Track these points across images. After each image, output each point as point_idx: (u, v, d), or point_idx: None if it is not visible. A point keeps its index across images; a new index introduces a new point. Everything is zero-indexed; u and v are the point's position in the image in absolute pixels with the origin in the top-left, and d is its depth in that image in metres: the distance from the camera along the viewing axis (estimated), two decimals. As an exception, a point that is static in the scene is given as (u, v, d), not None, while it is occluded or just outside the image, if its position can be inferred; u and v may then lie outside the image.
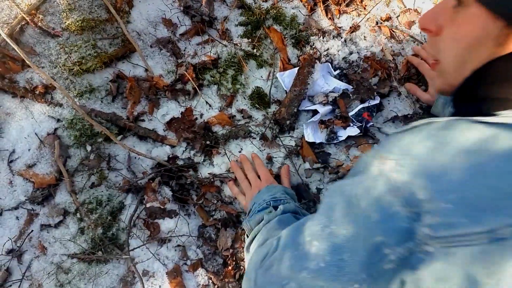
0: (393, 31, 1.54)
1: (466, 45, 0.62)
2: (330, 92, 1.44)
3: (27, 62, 1.14)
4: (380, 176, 0.58)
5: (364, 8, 1.59)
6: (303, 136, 1.39)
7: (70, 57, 1.30)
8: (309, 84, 1.42)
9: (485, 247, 0.47)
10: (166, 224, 1.30)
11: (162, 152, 1.35)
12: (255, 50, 1.52)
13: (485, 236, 0.47)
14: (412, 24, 1.56)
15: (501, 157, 0.50)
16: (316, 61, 1.45)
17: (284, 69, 1.52)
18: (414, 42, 1.53)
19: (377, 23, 1.56)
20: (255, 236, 1.02)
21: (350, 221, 0.61)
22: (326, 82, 1.46)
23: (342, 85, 1.45)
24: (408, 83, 1.43)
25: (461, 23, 0.61)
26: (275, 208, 1.07)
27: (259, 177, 1.27)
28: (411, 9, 1.58)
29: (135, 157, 1.34)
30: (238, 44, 1.53)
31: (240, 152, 1.39)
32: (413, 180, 0.53)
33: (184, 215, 1.32)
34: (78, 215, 1.28)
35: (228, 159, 1.36)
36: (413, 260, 0.52)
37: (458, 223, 0.49)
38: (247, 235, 1.10)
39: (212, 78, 1.47)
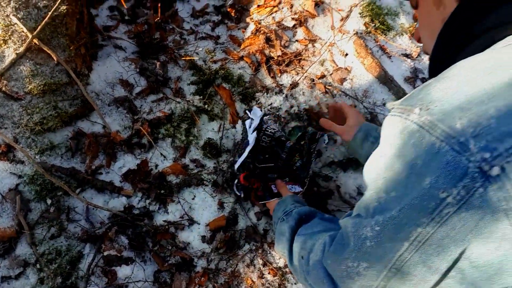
0: (327, 87, 1.76)
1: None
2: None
3: (-9, 124, 1.24)
4: (411, 124, 0.59)
5: (302, 68, 1.81)
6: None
7: (32, 118, 1.41)
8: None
9: None
10: (123, 271, 1.38)
11: (118, 203, 1.45)
12: (206, 106, 1.69)
13: None
14: (343, 81, 1.79)
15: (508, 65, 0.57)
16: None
17: (233, 121, 1.69)
18: (346, 96, 1.75)
19: (313, 80, 1.78)
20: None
21: (400, 178, 0.61)
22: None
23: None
24: (322, 119, 1.38)
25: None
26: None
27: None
28: (342, 67, 1.81)
29: (93, 208, 1.44)
30: (191, 101, 1.69)
31: (193, 199, 1.51)
32: (445, 115, 0.55)
33: (140, 261, 1.41)
34: (38, 265, 1.34)
35: (182, 206, 1.48)
36: (476, 199, 0.52)
37: (510, 130, 0.51)
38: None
39: (167, 132, 1.61)
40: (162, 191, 1.49)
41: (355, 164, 1.61)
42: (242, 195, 1.46)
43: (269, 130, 1.52)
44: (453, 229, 0.55)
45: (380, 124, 1.52)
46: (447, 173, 0.53)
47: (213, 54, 1.82)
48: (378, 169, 0.67)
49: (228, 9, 1.91)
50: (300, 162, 1.51)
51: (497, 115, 0.51)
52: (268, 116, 1.66)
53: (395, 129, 0.63)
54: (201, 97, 1.71)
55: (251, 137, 1.47)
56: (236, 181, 1.45)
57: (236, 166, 1.44)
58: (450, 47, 0.72)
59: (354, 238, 0.72)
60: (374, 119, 1.69)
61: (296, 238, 1.06)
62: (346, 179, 1.60)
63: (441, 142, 0.54)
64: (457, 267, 0.58)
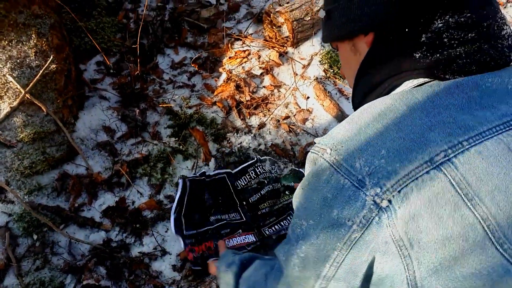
0: (291, 127, 1.95)
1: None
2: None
3: (-14, 169, 1.44)
4: (324, 162, 0.69)
5: (268, 110, 2.01)
6: (218, 215, 1.70)
7: (22, 163, 1.61)
8: None
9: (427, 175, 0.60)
10: (100, 299, 1.52)
11: (98, 237, 1.62)
12: (181, 146, 1.88)
13: (425, 166, 0.60)
14: (305, 121, 1.98)
15: (401, 114, 0.68)
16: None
17: (206, 160, 1.87)
18: (308, 134, 1.94)
19: (278, 121, 1.98)
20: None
21: (316, 208, 0.71)
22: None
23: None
24: None
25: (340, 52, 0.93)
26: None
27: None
28: (304, 109, 2.01)
29: (75, 242, 1.60)
30: (167, 142, 1.88)
31: (166, 231, 1.67)
32: (348, 156, 0.65)
33: (117, 290, 1.55)
34: (22, 296, 1.49)
35: (155, 239, 1.64)
36: (374, 226, 0.62)
37: (395, 169, 0.60)
38: None
39: (144, 171, 1.80)
40: (138, 225, 1.66)
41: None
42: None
43: (259, 169, 1.69)
44: (359, 251, 0.67)
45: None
46: (350, 205, 0.64)
47: (188, 100, 2.03)
48: (300, 199, 0.79)
49: (192, 64, 2.15)
50: (267, 209, 1.66)
51: (386, 156, 0.62)
52: (267, 157, 1.82)
53: (312, 166, 0.74)
54: (177, 138, 1.90)
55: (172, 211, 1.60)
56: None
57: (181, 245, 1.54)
58: (363, 90, 0.86)
59: (285, 265, 0.83)
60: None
61: (241, 281, 1.15)
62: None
63: (345, 179, 0.64)
64: (371, 281, 0.70)
